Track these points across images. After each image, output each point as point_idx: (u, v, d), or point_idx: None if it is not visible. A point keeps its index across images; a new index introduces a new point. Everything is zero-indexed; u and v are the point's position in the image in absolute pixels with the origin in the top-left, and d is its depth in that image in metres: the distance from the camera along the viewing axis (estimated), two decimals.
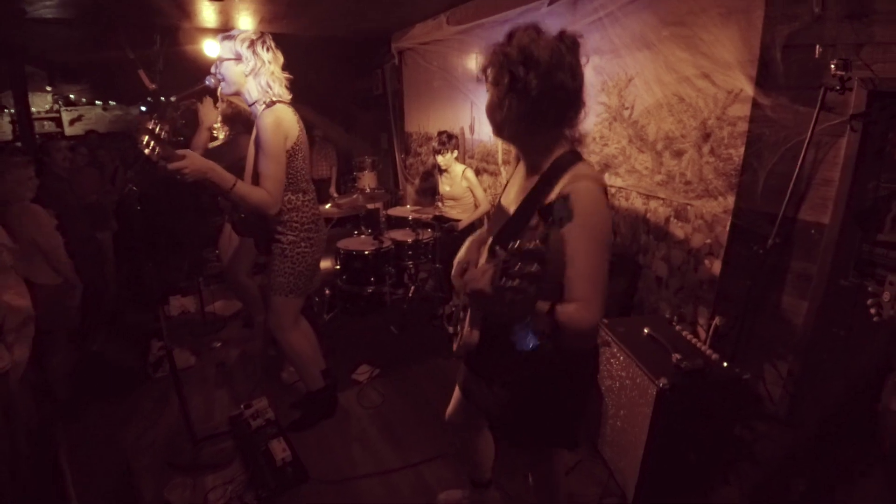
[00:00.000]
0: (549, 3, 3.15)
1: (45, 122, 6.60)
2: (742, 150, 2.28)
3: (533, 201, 1.14)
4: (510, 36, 1.11)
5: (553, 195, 1.10)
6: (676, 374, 1.78)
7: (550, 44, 1.07)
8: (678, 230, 2.65)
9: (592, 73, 3.02)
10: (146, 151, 1.61)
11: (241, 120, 2.96)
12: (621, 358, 2.01)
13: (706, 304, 2.53)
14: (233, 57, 1.94)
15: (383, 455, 2.34)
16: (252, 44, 1.94)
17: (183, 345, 3.31)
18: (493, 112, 1.16)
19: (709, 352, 1.94)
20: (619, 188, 3.00)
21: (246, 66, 1.94)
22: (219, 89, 2.09)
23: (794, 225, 2.16)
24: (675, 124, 2.58)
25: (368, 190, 3.88)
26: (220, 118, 3.04)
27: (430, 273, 3.73)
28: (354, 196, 3.76)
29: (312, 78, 6.98)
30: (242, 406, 2.47)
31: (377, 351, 3.22)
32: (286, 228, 2.12)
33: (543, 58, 1.05)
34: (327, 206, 3.57)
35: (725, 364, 1.86)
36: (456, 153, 3.73)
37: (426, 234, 3.64)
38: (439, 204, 3.89)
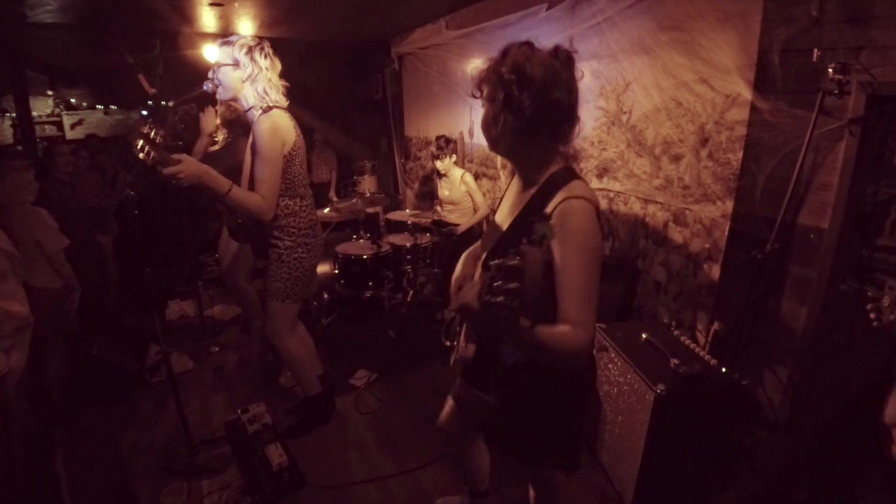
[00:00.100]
0: (548, 8, 3.16)
1: (47, 126, 6.63)
2: (740, 154, 2.27)
3: (526, 218, 1.14)
4: (504, 53, 1.11)
5: (546, 213, 1.10)
6: (674, 380, 1.77)
7: (545, 61, 1.07)
8: (677, 235, 2.64)
9: (591, 78, 3.02)
10: (141, 156, 1.61)
11: (240, 123, 2.96)
12: (619, 363, 1.99)
13: (705, 309, 2.52)
14: (231, 63, 1.94)
15: (380, 460, 2.32)
16: (250, 50, 1.94)
17: (181, 349, 3.31)
18: (488, 128, 1.16)
19: (707, 357, 1.93)
20: (618, 192, 2.99)
21: (243, 73, 1.95)
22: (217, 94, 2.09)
23: (793, 229, 2.14)
24: (673, 129, 2.58)
25: (368, 194, 3.88)
26: (219, 121, 3.05)
27: (429, 277, 3.72)
28: (353, 200, 3.76)
29: (313, 82, 7.01)
30: (239, 411, 2.46)
31: (375, 356, 3.21)
32: (283, 233, 2.12)
33: (537, 76, 1.05)
34: (326, 210, 3.57)
35: (724, 370, 1.85)
36: (454, 157, 3.73)
37: (425, 239, 3.64)
38: (438, 208, 3.89)
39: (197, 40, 4.39)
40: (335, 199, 5.64)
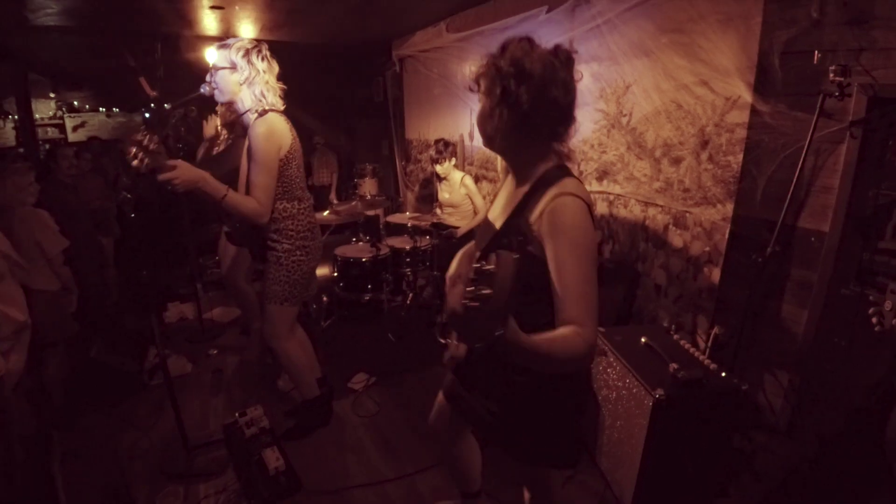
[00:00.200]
0: (548, 11, 3.15)
1: (49, 129, 6.66)
2: (740, 157, 2.26)
3: (518, 216, 1.13)
4: (503, 48, 1.10)
5: (538, 210, 1.08)
6: (673, 385, 1.75)
7: (544, 57, 1.06)
8: (677, 238, 2.63)
9: (591, 80, 3.01)
10: (134, 163, 1.60)
11: (241, 124, 2.96)
12: (618, 368, 1.98)
13: (705, 312, 2.50)
14: (228, 66, 1.94)
15: (377, 465, 2.31)
16: (247, 53, 1.94)
17: (180, 352, 3.31)
18: (483, 122, 1.15)
19: (707, 362, 1.91)
20: (618, 195, 2.98)
21: (240, 76, 1.94)
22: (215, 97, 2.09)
23: (793, 233, 2.13)
24: (673, 131, 2.57)
25: (369, 197, 3.87)
26: (220, 122, 3.05)
27: (429, 280, 3.71)
28: (353, 203, 3.75)
29: (314, 85, 7.03)
30: (237, 414, 2.45)
31: (374, 359, 3.20)
32: (281, 236, 2.11)
33: (536, 71, 1.04)
34: (325, 212, 3.56)
35: (724, 374, 1.83)
36: (454, 160, 3.72)
37: (424, 242, 3.63)
38: (438, 211, 3.88)
39: (198, 43, 4.41)
40: (336, 201, 5.65)
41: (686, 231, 2.58)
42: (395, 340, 3.45)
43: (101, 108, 7.08)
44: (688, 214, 2.56)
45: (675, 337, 2.12)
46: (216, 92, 2.00)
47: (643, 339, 2.05)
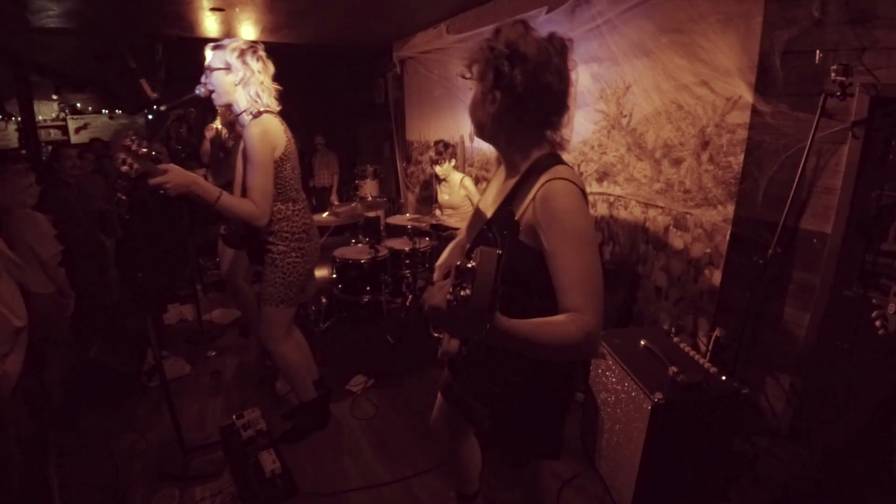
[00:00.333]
0: (548, 12, 3.14)
1: (52, 130, 6.70)
2: (741, 157, 2.24)
3: (509, 205, 1.11)
4: (497, 30, 1.08)
5: (529, 197, 1.06)
6: (673, 388, 1.73)
7: (539, 42, 1.04)
8: (677, 239, 2.60)
9: (590, 81, 2.99)
10: (124, 168, 1.60)
11: (237, 125, 2.96)
12: (617, 371, 1.95)
13: (706, 315, 2.48)
14: (223, 67, 1.93)
15: (374, 468, 2.29)
16: (242, 53, 1.93)
17: (179, 353, 3.30)
18: (475, 109, 1.12)
19: (707, 365, 1.88)
20: (618, 197, 2.96)
21: (235, 77, 1.93)
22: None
23: (795, 234, 2.11)
24: (673, 132, 2.55)
25: (370, 198, 3.86)
26: (220, 121, 3.05)
27: (428, 282, 3.70)
28: (353, 204, 3.74)
29: (316, 87, 7.05)
30: (234, 416, 2.43)
31: (372, 361, 3.18)
32: (276, 238, 2.10)
33: (531, 54, 1.02)
34: (325, 214, 3.55)
35: (724, 378, 1.80)
36: (454, 162, 3.71)
37: (424, 243, 3.61)
38: (437, 212, 3.87)
39: (199, 45, 4.41)
40: (337, 202, 5.65)
41: (687, 233, 2.55)
42: (393, 342, 3.43)
43: (103, 110, 7.12)
44: (688, 216, 2.53)
45: (675, 340, 2.10)
46: (212, 94, 1.99)
47: (643, 342, 2.02)
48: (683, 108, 2.48)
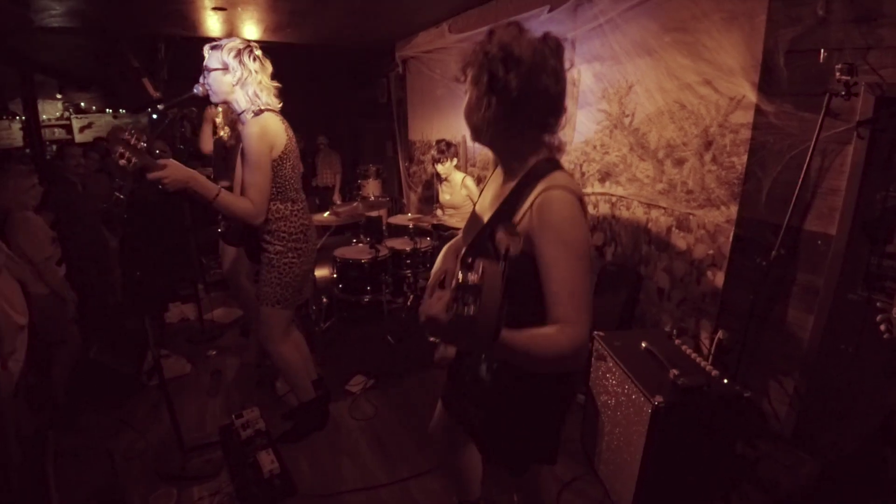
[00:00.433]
0: (550, 10, 3.12)
1: (56, 130, 6.72)
2: (745, 158, 2.21)
3: (506, 211, 1.09)
4: (491, 33, 1.06)
5: (526, 205, 1.05)
6: (673, 391, 1.71)
7: (533, 44, 1.02)
8: (680, 240, 2.58)
9: (593, 81, 2.97)
10: (121, 163, 1.59)
11: (238, 124, 2.96)
12: (617, 373, 1.93)
13: (709, 317, 2.45)
14: (220, 67, 1.92)
15: (373, 469, 2.28)
16: (238, 53, 1.92)
17: (180, 352, 3.30)
18: (470, 113, 1.10)
19: (708, 368, 1.86)
20: (620, 197, 2.93)
21: (233, 76, 1.93)
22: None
23: (799, 236, 2.08)
24: (676, 132, 2.52)
25: (372, 198, 3.85)
26: (221, 119, 3.04)
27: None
28: (354, 204, 3.73)
29: (319, 87, 7.05)
30: (233, 416, 2.43)
31: (372, 361, 3.17)
32: (274, 238, 2.09)
33: (525, 57, 1.00)
34: (325, 213, 3.55)
35: (725, 381, 1.78)
36: (456, 161, 3.69)
37: (424, 243, 3.60)
38: (438, 212, 3.86)
39: (201, 45, 4.41)
40: (339, 202, 5.64)
41: (689, 233, 2.53)
42: (394, 343, 3.42)
43: (107, 110, 7.14)
44: (691, 217, 2.51)
45: (677, 342, 2.08)
46: (210, 93, 1.99)
47: (643, 344, 2.00)
48: (686, 108, 2.45)
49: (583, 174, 3.17)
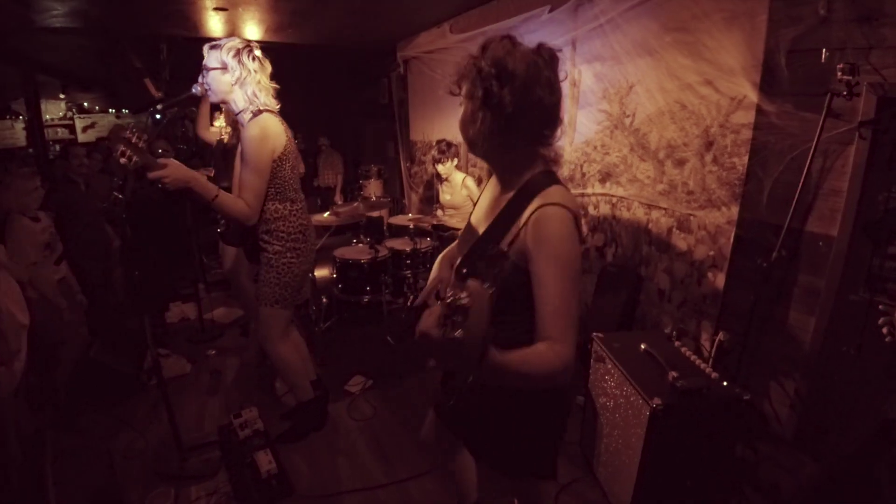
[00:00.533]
0: (550, 10, 3.11)
1: (59, 129, 6.76)
2: (746, 158, 2.19)
3: (501, 224, 1.09)
4: (484, 48, 1.05)
5: (522, 220, 1.04)
6: (672, 394, 1.69)
7: (527, 56, 1.02)
8: (681, 241, 2.56)
9: (593, 81, 2.96)
10: (122, 161, 1.59)
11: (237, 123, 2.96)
12: (616, 375, 1.92)
13: (710, 318, 2.43)
14: (219, 66, 1.92)
15: (371, 470, 2.28)
16: (237, 53, 1.92)
17: (180, 352, 3.30)
18: (465, 127, 1.09)
19: (708, 370, 1.85)
20: (621, 198, 2.92)
21: (232, 76, 1.92)
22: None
23: (800, 237, 2.06)
24: (677, 132, 2.51)
25: (374, 198, 3.85)
26: (224, 120, 3.04)
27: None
28: (355, 204, 3.73)
29: (321, 87, 7.06)
30: (232, 416, 2.43)
31: (372, 362, 3.17)
32: (272, 238, 2.09)
33: (519, 71, 0.99)
34: (326, 214, 3.54)
35: (725, 383, 1.76)
36: (456, 161, 3.69)
37: (424, 244, 3.59)
38: (439, 212, 3.85)
39: (203, 46, 4.42)
40: (340, 202, 5.64)
41: (690, 234, 2.51)
42: (393, 343, 3.41)
43: (110, 110, 7.17)
44: (692, 217, 2.49)
45: (677, 344, 2.06)
46: (209, 93, 1.99)
47: (643, 346, 1.99)
48: (687, 108, 2.44)
49: (583, 175, 3.15)
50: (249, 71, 1.93)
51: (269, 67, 2.03)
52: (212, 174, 3.38)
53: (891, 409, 1.54)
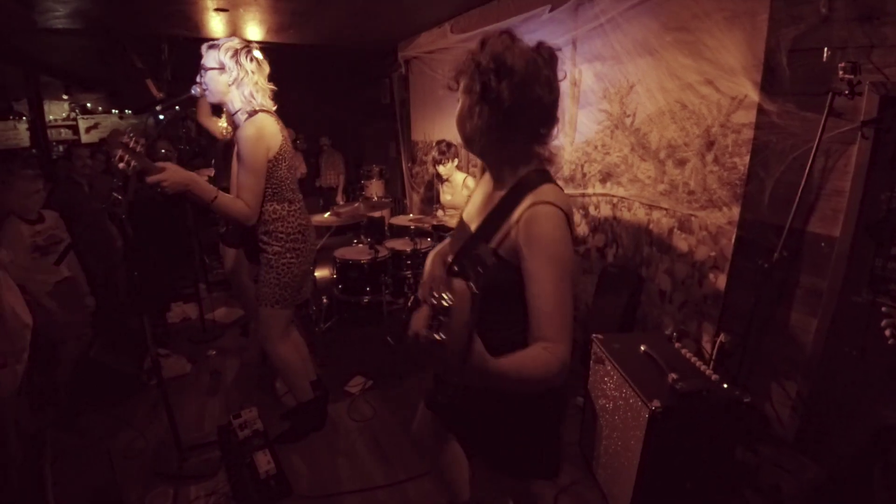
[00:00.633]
0: (551, 10, 3.10)
1: (62, 130, 6.79)
2: (747, 158, 2.18)
3: (493, 222, 1.08)
4: (483, 43, 1.04)
5: (513, 218, 1.04)
6: (671, 396, 1.68)
7: (526, 53, 1.01)
8: (682, 242, 2.55)
9: (594, 80, 2.94)
10: (120, 165, 1.59)
11: (234, 124, 2.96)
12: (615, 377, 1.91)
13: (711, 319, 2.42)
14: (217, 66, 1.92)
15: (370, 471, 2.27)
16: (235, 53, 1.92)
17: (181, 352, 3.31)
18: (462, 122, 1.09)
19: (708, 372, 1.83)
20: (621, 198, 2.91)
21: (229, 76, 1.92)
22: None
23: (802, 237, 2.05)
24: (677, 132, 2.49)
25: (375, 198, 3.85)
26: (225, 121, 3.04)
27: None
28: (356, 204, 3.73)
29: (322, 88, 7.07)
30: (231, 416, 2.43)
31: (372, 362, 3.17)
32: (271, 238, 2.09)
33: (518, 67, 0.99)
34: (326, 214, 3.55)
35: (725, 385, 1.75)
36: (456, 161, 3.68)
37: (425, 244, 3.59)
38: (439, 213, 3.84)
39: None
40: (342, 202, 5.65)
41: (691, 235, 2.50)
42: (393, 344, 3.40)
43: (113, 110, 7.20)
44: (693, 218, 2.48)
45: (677, 345, 2.05)
46: (206, 93, 1.99)
47: (642, 348, 1.98)
48: (688, 108, 2.42)
49: (584, 175, 3.14)
50: (247, 72, 1.93)
51: (267, 68, 2.02)
52: (212, 174, 3.39)
53: (892, 414, 1.53)
